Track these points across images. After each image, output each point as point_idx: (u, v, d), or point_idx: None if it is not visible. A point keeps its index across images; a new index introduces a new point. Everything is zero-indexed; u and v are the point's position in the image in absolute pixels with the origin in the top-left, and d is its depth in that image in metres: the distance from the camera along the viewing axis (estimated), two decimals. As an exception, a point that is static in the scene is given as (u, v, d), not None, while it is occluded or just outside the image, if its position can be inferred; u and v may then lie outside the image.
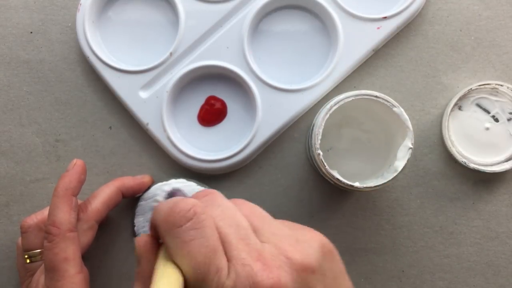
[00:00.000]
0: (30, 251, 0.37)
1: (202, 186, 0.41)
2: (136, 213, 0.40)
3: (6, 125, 0.43)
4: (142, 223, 0.40)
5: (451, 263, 0.42)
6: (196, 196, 0.27)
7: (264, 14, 0.42)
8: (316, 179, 0.42)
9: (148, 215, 0.40)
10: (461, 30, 0.43)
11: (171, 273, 0.24)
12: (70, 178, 0.35)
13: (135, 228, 0.40)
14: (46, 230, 0.34)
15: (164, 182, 0.40)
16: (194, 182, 0.41)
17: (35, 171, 0.42)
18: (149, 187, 0.41)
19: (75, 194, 0.35)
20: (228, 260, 0.24)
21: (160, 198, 0.40)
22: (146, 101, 0.41)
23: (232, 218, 0.25)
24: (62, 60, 0.43)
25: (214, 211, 0.26)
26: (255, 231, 0.26)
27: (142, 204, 0.40)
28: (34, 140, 0.43)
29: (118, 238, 0.42)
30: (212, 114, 0.42)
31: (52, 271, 0.33)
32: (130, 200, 0.41)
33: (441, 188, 0.42)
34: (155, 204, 0.40)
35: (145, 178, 0.41)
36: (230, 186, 0.42)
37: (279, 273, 0.24)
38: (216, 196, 0.27)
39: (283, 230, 0.26)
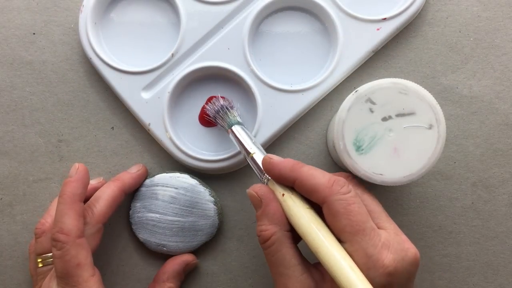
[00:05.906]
0: (43, 254, 0.37)
1: (204, 186, 0.41)
2: (135, 197, 0.41)
3: (9, 125, 0.43)
4: (138, 208, 0.41)
5: (451, 262, 0.42)
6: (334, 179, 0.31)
7: (265, 16, 0.42)
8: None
9: (146, 202, 0.40)
10: (460, 31, 0.43)
11: (302, 205, 0.31)
12: (75, 184, 0.35)
13: (130, 212, 0.41)
14: (54, 238, 0.33)
15: (170, 174, 0.41)
16: (197, 180, 0.41)
17: (38, 171, 0.43)
18: (152, 175, 0.41)
19: (82, 200, 0.35)
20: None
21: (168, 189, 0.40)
22: (148, 101, 0.41)
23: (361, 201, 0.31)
24: (65, 61, 0.43)
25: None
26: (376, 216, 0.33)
27: (143, 190, 0.41)
28: (37, 140, 0.43)
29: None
30: (213, 115, 0.42)
31: (66, 278, 0.33)
32: None
33: (440, 188, 0.42)
34: (159, 191, 0.40)
35: (140, 170, 0.41)
36: (230, 186, 0.43)
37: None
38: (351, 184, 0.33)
39: (392, 223, 0.33)
